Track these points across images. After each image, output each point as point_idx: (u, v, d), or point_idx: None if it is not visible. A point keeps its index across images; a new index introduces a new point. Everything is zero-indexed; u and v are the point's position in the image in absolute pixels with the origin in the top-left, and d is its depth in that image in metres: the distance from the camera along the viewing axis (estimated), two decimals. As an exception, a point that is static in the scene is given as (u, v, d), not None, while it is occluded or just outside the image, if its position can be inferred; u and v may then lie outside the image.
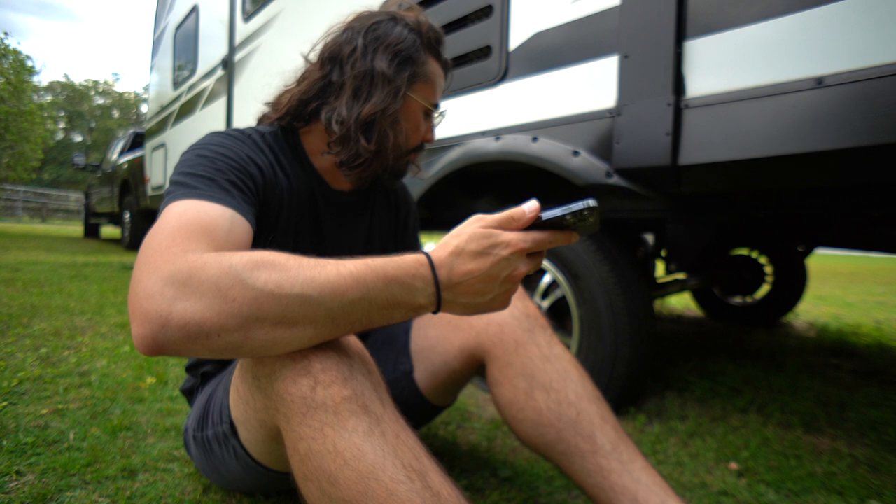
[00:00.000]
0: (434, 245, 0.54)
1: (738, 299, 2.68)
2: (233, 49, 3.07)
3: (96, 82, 32.67)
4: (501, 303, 0.55)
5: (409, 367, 0.85)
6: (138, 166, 5.42)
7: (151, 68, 5.13)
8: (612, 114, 1.13)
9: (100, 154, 18.84)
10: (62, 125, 30.68)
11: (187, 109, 3.90)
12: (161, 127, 4.64)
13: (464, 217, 0.56)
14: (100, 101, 33.05)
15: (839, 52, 0.80)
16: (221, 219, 0.55)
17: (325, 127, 0.73)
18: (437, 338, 0.83)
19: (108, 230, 9.67)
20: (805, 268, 2.50)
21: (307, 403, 0.49)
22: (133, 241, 5.75)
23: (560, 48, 1.25)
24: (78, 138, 31.70)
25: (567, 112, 1.24)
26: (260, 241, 0.68)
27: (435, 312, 0.54)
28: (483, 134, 1.46)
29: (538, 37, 1.30)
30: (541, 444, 0.74)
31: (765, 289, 2.56)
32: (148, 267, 0.47)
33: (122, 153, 6.54)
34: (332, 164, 0.77)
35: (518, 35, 1.35)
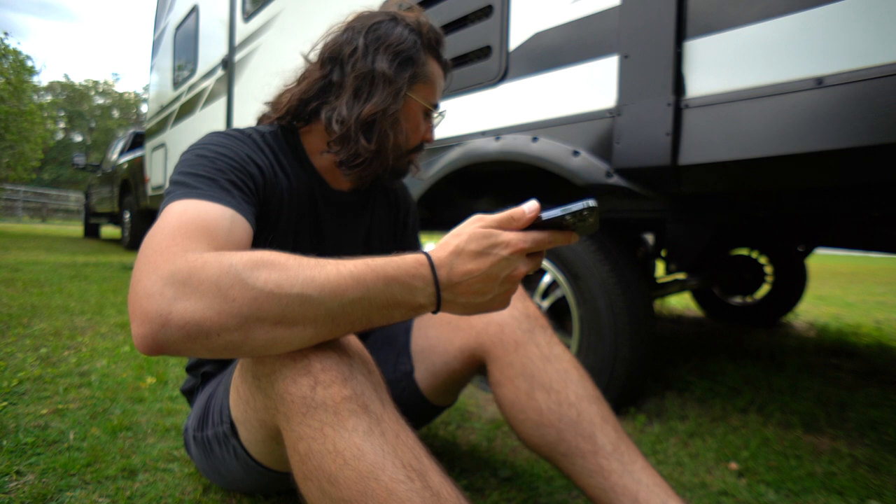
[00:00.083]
0: (434, 245, 0.54)
1: (738, 299, 2.68)
2: (233, 49, 3.07)
3: (96, 82, 32.71)
4: (501, 303, 0.55)
5: (409, 368, 0.85)
6: (138, 166, 5.42)
7: (151, 68, 5.13)
8: (612, 114, 1.13)
9: (100, 154, 18.84)
10: (62, 125, 30.69)
11: (187, 109, 3.90)
12: (161, 127, 4.65)
13: (464, 217, 0.55)
14: (100, 101, 33.06)
15: (839, 52, 0.80)
16: (221, 218, 0.55)
17: (325, 126, 0.73)
18: (437, 338, 0.83)
19: (108, 230, 9.67)
20: (805, 268, 2.50)
21: (307, 403, 0.49)
22: (133, 241, 5.75)
23: (560, 48, 1.25)
24: (78, 138, 31.70)
25: (567, 112, 1.24)
26: (260, 240, 0.68)
27: (435, 312, 0.54)
28: (483, 134, 1.46)
29: (538, 37, 1.30)
30: (542, 445, 0.74)
31: (765, 289, 2.56)
32: (148, 266, 0.47)
33: (122, 153, 6.55)
34: (332, 164, 0.77)
35: (518, 35, 1.35)
